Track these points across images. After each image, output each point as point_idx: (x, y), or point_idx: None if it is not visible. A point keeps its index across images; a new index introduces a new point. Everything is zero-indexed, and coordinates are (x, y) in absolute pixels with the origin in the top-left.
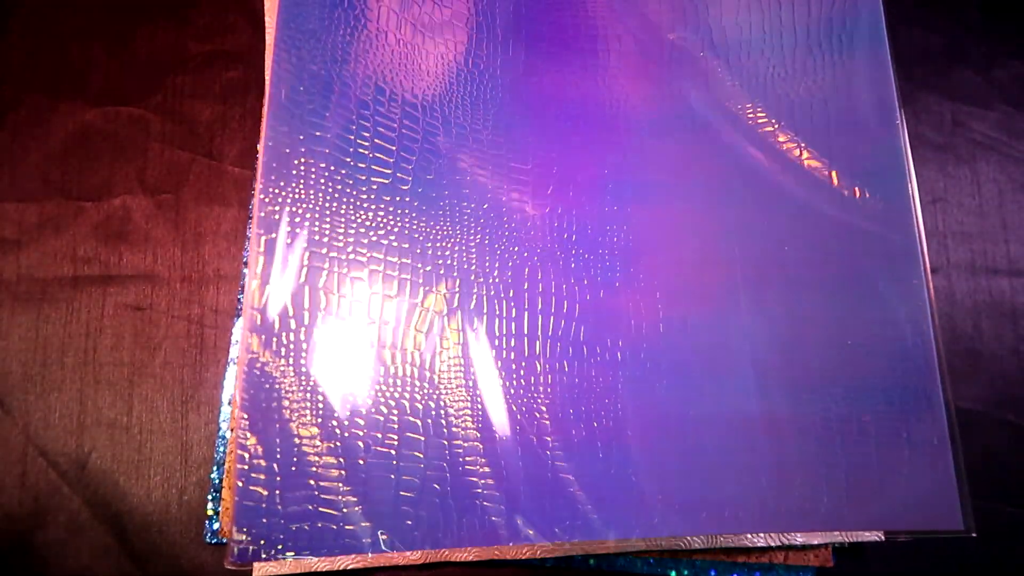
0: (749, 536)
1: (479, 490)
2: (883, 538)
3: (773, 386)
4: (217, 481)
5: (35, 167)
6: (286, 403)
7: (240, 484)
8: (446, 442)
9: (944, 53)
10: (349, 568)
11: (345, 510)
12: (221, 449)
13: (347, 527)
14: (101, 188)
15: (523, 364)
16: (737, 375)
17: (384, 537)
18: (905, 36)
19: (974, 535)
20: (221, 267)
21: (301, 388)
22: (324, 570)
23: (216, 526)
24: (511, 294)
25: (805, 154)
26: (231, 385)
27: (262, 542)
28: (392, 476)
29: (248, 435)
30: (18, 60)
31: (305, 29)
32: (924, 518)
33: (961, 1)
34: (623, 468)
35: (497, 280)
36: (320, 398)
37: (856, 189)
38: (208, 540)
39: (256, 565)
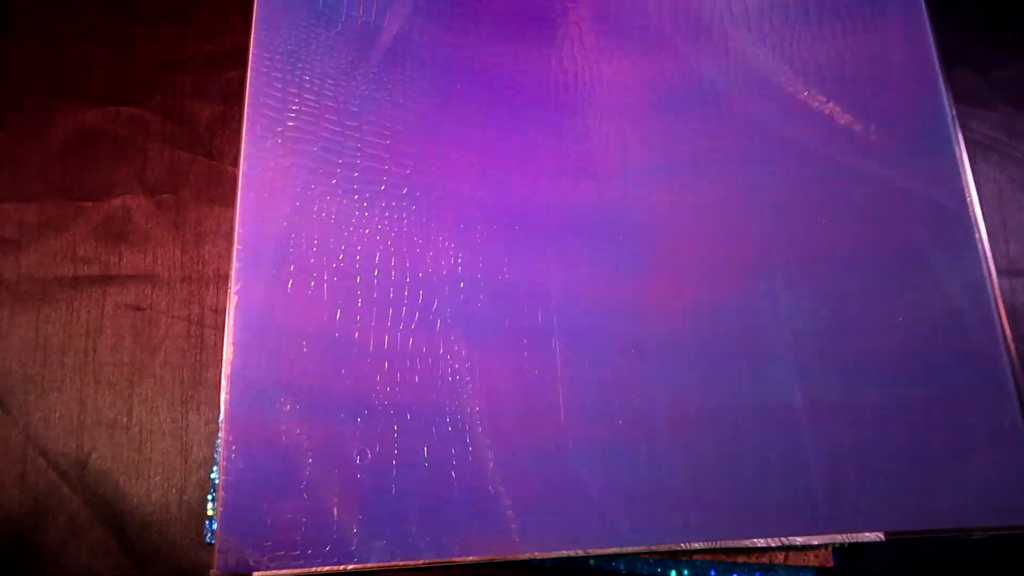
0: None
1: (491, 497)
2: (883, 538)
3: (817, 372)
4: (217, 481)
5: (35, 167)
6: (272, 413)
7: (224, 495)
8: (453, 448)
9: (945, 53)
10: (349, 569)
11: (341, 520)
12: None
13: (344, 537)
14: (101, 188)
15: (538, 361)
16: (776, 362)
17: (387, 547)
18: None
19: None
20: (221, 267)
21: (289, 398)
22: (324, 571)
23: (216, 526)
24: (522, 288)
25: (840, 119)
26: None
27: (249, 552)
28: (393, 486)
29: (232, 445)
30: (18, 60)
31: (284, 50)
32: (998, 511)
33: (962, 1)
34: (652, 469)
35: (507, 275)
36: (309, 408)
37: (897, 150)
38: (208, 540)
39: None
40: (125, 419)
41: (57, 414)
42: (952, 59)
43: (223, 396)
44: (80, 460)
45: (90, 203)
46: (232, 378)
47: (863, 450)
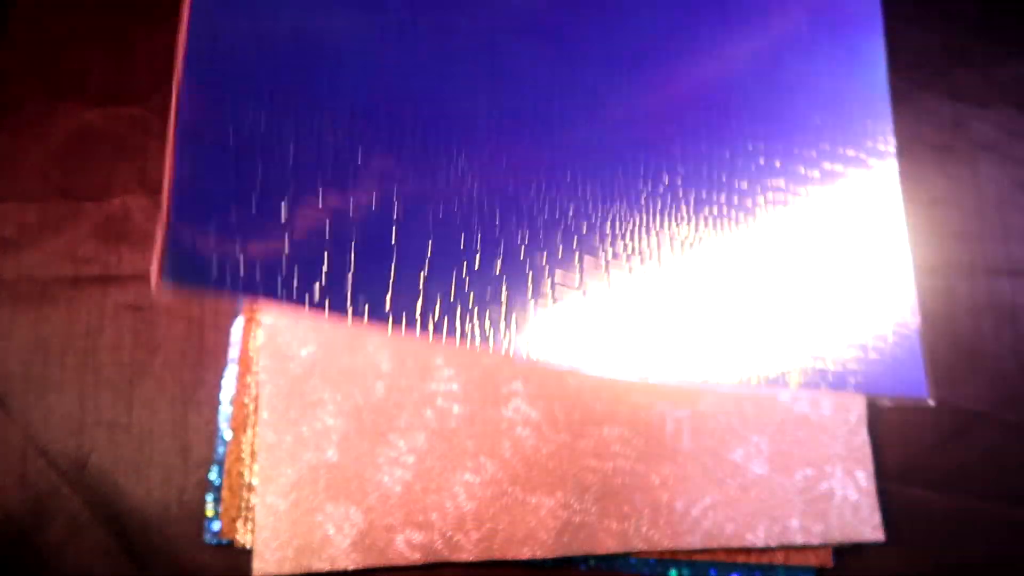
0: (749, 536)
1: (520, 248)
2: (883, 538)
3: (778, 250)
4: (217, 481)
5: (35, 167)
6: (240, 114)
7: (174, 204)
8: (460, 194)
9: (944, 53)
10: (349, 569)
11: (331, 261)
12: (221, 449)
13: (331, 285)
14: (101, 188)
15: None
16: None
17: (385, 306)
18: (904, 36)
19: (932, 403)
20: None
21: (260, 100)
22: (324, 570)
23: (216, 526)
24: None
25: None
26: (231, 385)
27: (204, 268)
28: (392, 241)
29: (187, 145)
30: (18, 60)
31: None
32: (894, 385)
33: (961, 1)
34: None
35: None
36: (287, 114)
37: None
38: (208, 540)
39: (255, 565)
40: (125, 419)
41: (57, 414)
42: (952, 59)
43: (174, 90)
44: (80, 460)
45: (90, 203)
46: (187, 70)
47: (805, 315)
